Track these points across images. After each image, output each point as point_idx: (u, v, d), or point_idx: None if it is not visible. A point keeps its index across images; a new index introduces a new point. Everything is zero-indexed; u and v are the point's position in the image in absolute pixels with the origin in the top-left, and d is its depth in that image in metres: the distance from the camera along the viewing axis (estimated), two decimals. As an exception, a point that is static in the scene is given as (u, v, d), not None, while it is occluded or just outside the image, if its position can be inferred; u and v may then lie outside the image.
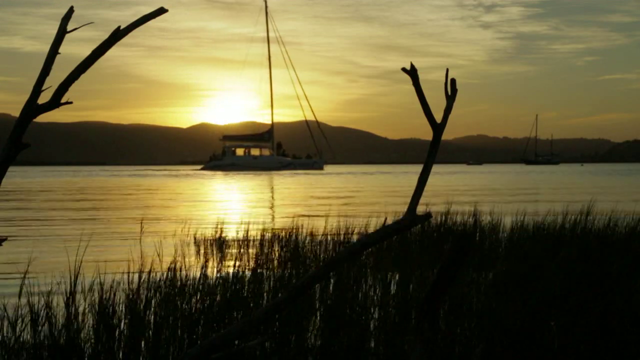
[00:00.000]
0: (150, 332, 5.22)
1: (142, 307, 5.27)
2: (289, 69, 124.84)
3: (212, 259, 11.07)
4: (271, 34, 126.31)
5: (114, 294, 5.27)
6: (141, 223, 14.67)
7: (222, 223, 13.17)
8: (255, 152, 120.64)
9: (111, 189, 48.85)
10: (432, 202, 13.89)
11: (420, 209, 3.37)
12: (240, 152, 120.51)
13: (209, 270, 6.01)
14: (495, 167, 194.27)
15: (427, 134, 3.48)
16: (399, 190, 43.29)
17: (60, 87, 3.10)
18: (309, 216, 12.34)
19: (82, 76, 3.13)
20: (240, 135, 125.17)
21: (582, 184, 53.54)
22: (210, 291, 5.68)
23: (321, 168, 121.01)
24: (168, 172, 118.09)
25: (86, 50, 3.18)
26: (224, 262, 6.48)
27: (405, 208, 3.40)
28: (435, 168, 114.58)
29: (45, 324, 4.92)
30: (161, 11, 3.14)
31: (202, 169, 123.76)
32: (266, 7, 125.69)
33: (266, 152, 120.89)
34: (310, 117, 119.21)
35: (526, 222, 11.11)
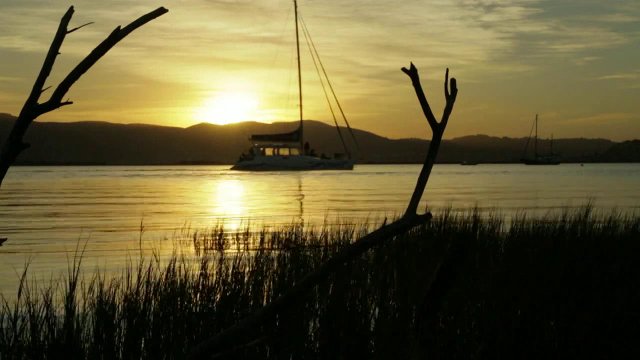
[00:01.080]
0: (150, 332, 5.22)
1: (142, 307, 5.27)
2: (319, 72, 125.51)
3: (217, 259, 11.06)
4: (296, 31, 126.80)
5: (114, 294, 5.26)
6: (140, 223, 14.67)
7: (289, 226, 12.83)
8: (284, 152, 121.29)
9: (159, 190, 47.26)
10: (431, 205, 13.89)
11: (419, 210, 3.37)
12: (269, 152, 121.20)
13: (208, 270, 6.01)
14: (490, 167, 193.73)
15: (427, 134, 3.48)
16: (449, 189, 43.35)
17: (60, 87, 3.10)
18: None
19: (82, 76, 3.13)
20: (268, 135, 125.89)
21: (582, 184, 53.51)
22: (210, 291, 5.68)
23: (351, 168, 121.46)
24: (205, 172, 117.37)
25: (86, 50, 3.19)
26: (225, 262, 6.50)
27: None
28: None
29: (45, 324, 4.92)
30: (161, 11, 3.14)
31: (232, 168, 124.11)
32: (295, 7, 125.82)
33: (295, 151, 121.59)
34: (339, 118, 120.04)
35: (526, 222, 11.10)
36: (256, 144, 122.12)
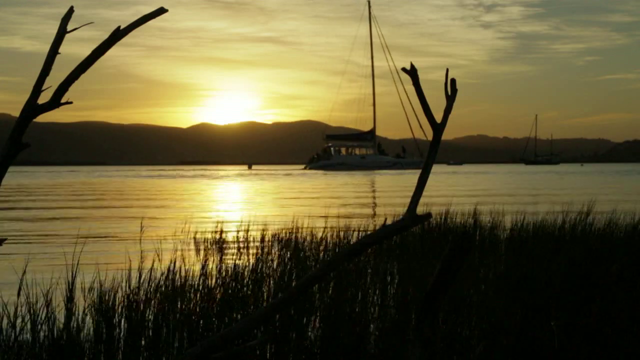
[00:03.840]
0: (150, 332, 5.22)
1: (142, 307, 5.27)
2: (393, 74, 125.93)
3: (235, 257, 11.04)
4: (370, 33, 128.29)
5: (114, 294, 5.27)
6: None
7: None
8: (358, 151, 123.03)
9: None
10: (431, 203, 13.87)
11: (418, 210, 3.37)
12: (343, 151, 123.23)
13: (209, 270, 6.01)
14: (477, 167, 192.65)
15: (427, 133, 3.48)
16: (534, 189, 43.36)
17: (60, 87, 3.11)
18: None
19: (82, 76, 3.13)
20: (343, 134, 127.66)
21: (582, 184, 53.50)
22: (210, 291, 5.68)
23: None
24: (279, 172, 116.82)
25: (86, 50, 3.19)
26: (232, 261, 6.54)
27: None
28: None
29: (45, 324, 4.92)
30: (161, 11, 3.14)
31: (305, 168, 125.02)
32: (369, 7, 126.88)
33: (370, 151, 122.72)
34: (412, 119, 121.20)
35: (526, 222, 11.10)
36: (330, 144, 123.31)
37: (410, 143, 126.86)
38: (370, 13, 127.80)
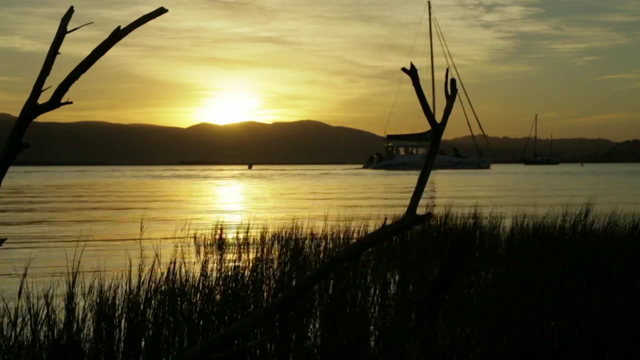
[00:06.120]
0: (150, 332, 5.22)
1: (142, 307, 5.27)
2: (450, 69, 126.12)
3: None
4: (430, 33, 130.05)
5: (114, 294, 5.27)
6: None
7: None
8: (416, 151, 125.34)
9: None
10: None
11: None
12: (402, 151, 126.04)
13: (209, 270, 6.01)
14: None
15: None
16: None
17: (60, 87, 3.11)
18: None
19: (82, 76, 3.13)
20: (403, 135, 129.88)
21: (582, 184, 53.46)
22: (210, 291, 5.68)
23: (488, 167, 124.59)
24: (350, 170, 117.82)
25: (86, 50, 3.19)
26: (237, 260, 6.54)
27: None
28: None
29: (45, 324, 4.92)
30: (161, 11, 3.15)
31: (365, 167, 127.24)
32: (430, 8, 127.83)
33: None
34: (472, 119, 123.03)
35: (526, 222, 11.10)
36: (392, 144, 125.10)
37: (468, 142, 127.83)
38: (430, 14, 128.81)
